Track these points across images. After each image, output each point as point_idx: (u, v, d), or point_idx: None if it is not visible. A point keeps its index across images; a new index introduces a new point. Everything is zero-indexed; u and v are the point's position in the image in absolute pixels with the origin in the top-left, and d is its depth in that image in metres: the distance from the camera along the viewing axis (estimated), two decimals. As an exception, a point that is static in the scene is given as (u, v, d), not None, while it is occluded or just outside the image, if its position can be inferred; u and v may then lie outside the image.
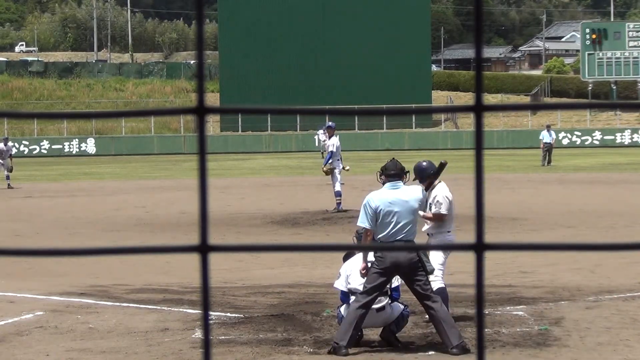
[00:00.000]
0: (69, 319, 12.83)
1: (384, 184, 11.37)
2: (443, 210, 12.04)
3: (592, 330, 11.80)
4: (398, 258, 10.83)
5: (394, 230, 10.93)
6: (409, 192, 11.15)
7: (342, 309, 11.28)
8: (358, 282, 11.18)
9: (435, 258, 11.85)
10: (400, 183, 11.28)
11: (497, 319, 12.44)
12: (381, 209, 10.95)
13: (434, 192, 12.21)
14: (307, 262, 17.74)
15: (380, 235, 10.99)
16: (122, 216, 26.60)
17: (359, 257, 11.32)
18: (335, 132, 26.74)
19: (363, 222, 11.09)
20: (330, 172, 26.27)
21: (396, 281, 11.33)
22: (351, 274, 11.31)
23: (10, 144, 40.28)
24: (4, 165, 37.96)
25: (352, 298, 11.20)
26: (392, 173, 11.28)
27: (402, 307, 11.35)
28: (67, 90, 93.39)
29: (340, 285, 11.45)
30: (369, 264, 11.06)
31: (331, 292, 14.38)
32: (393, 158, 11.88)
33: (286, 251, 1.76)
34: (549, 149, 48.70)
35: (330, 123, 27.22)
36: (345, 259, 11.64)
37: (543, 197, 30.49)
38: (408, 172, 11.61)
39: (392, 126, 77.38)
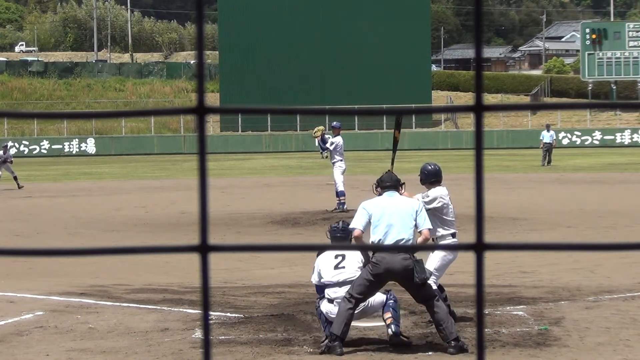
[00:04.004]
0: (69, 319, 12.83)
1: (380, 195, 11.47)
2: (432, 204, 11.96)
3: (592, 330, 11.80)
4: (393, 265, 10.86)
5: (386, 234, 10.97)
6: (405, 200, 11.27)
7: (323, 304, 11.33)
8: (330, 276, 11.36)
9: (431, 262, 11.87)
10: (397, 194, 11.35)
11: (497, 319, 12.44)
12: (375, 213, 11.05)
13: (431, 191, 12.23)
14: (307, 262, 17.72)
15: (373, 240, 11.08)
16: (122, 216, 26.59)
17: (328, 252, 11.46)
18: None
19: (354, 224, 11.15)
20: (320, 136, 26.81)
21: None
22: (322, 269, 11.45)
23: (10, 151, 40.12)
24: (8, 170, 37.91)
25: (326, 291, 11.32)
26: (388, 185, 11.37)
27: (383, 296, 11.32)
28: (67, 90, 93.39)
29: (314, 279, 11.59)
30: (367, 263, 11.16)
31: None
32: (389, 170, 11.94)
33: (286, 251, 1.76)
34: (548, 149, 48.73)
35: (334, 123, 27.18)
36: (319, 253, 11.73)
37: (543, 197, 30.48)
38: (404, 183, 11.65)
39: (392, 126, 77.36)
